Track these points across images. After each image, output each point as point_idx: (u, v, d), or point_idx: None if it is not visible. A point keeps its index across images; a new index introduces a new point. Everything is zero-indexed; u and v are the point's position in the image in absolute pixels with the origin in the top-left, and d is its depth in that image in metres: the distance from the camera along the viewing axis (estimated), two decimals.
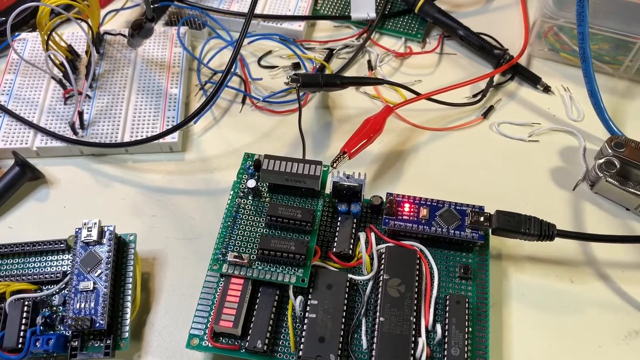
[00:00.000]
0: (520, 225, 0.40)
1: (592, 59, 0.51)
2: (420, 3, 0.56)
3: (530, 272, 0.43)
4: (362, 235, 0.41)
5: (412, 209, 0.42)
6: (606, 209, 0.47)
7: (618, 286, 0.43)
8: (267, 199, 0.42)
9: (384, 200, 0.43)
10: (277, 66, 0.56)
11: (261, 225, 0.41)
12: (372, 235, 0.41)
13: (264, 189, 0.43)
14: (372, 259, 0.41)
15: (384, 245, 0.41)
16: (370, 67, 0.56)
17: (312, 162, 0.41)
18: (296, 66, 0.55)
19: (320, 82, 0.48)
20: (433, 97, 0.51)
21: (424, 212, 0.42)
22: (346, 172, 0.42)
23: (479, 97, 0.53)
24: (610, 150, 0.47)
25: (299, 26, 0.57)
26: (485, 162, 0.49)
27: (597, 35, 0.52)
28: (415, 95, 0.51)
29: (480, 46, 0.56)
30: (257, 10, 0.57)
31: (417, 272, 0.40)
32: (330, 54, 0.56)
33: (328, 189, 0.43)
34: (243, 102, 0.53)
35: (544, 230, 0.40)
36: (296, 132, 0.48)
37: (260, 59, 0.56)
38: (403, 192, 0.44)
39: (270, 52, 0.57)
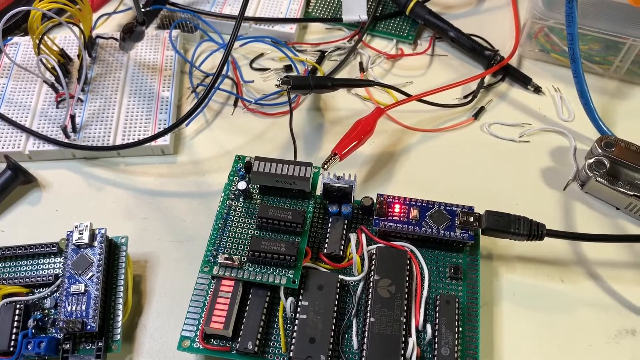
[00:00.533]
0: (509, 225, 0.41)
1: (582, 59, 0.51)
2: (411, 5, 0.57)
3: (521, 271, 0.44)
4: (352, 236, 0.41)
5: (402, 210, 0.42)
6: (596, 208, 0.47)
7: (608, 285, 0.43)
8: (257, 201, 0.42)
9: (375, 201, 0.43)
10: (269, 69, 0.56)
11: (252, 227, 0.41)
12: (363, 236, 0.41)
13: (255, 191, 0.43)
14: (362, 259, 0.41)
15: (374, 246, 0.41)
16: (362, 69, 0.56)
17: (303, 164, 0.41)
18: (288, 68, 0.56)
19: (311, 84, 0.48)
20: (424, 98, 0.51)
21: (414, 212, 0.42)
22: (337, 173, 0.42)
23: (469, 98, 0.53)
24: (600, 150, 0.47)
25: (290, 29, 0.57)
26: (476, 162, 0.50)
27: (587, 36, 0.52)
28: (406, 97, 0.51)
29: (471, 47, 0.56)
30: (249, 13, 0.58)
31: (408, 273, 0.40)
32: (322, 56, 0.57)
33: (319, 191, 0.43)
34: (235, 104, 0.53)
35: (533, 230, 0.41)
36: (288, 134, 0.48)
37: (252, 61, 0.56)
38: (394, 193, 0.44)
39: (262, 54, 0.57)
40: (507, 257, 0.44)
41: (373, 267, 0.40)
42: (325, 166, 0.44)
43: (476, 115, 0.52)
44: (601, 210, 0.47)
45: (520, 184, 0.48)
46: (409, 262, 0.41)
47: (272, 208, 0.41)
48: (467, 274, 0.41)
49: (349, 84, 0.52)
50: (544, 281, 0.43)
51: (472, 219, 0.41)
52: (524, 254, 0.44)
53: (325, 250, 0.41)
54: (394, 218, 0.42)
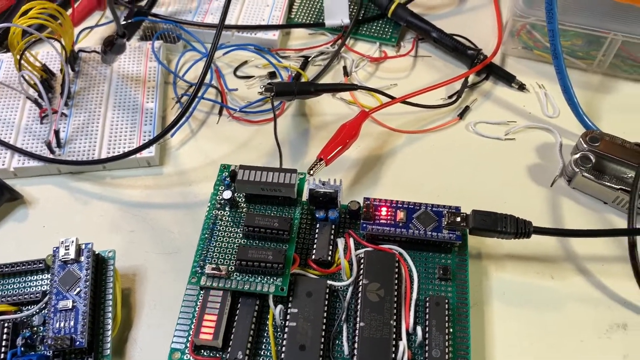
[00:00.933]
0: (496, 224, 0.41)
1: (566, 54, 0.52)
2: (392, 7, 0.57)
3: (511, 270, 0.44)
4: (340, 241, 0.41)
5: (389, 213, 0.42)
6: (584, 203, 0.47)
7: (598, 280, 0.43)
8: (244, 210, 0.42)
9: (361, 205, 0.43)
10: (253, 76, 0.56)
11: (239, 235, 0.41)
12: (351, 241, 0.41)
13: (241, 200, 0.43)
14: (351, 264, 0.41)
15: (362, 250, 0.41)
16: (346, 73, 0.56)
17: (287, 171, 0.41)
18: (272, 75, 0.56)
19: (294, 90, 0.48)
20: (408, 100, 0.51)
21: (400, 215, 0.42)
22: (322, 178, 0.42)
23: (454, 98, 0.53)
24: (585, 145, 0.47)
25: (273, 35, 0.57)
26: (463, 162, 0.50)
27: (569, 32, 0.53)
28: (390, 99, 0.51)
29: (454, 47, 0.56)
30: (231, 21, 0.58)
31: (397, 276, 0.40)
32: (305, 62, 0.57)
33: (305, 197, 0.43)
34: (220, 113, 0.53)
35: (520, 228, 0.41)
36: (273, 141, 0.48)
37: (236, 69, 0.56)
38: (382, 196, 0.44)
39: (246, 62, 0.57)
40: (496, 256, 0.44)
41: (362, 271, 0.40)
42: (311, 172, 0.44)
43: (461, 115, 0.52)
44: (589, 205, 0.47)
45: (507, 181, 0.48)
46: (397, 265, 0.41)
47: (259, 216, 0.40)
48: (457, 275, 0.41)
49: (332, 88, 0.52)
50: (533, 278, 0.43)
51: (459, 219, 0.41)
52: (513, 252, 0.44)
53: (313, 256, 0.41)
54: (381, 221, 0.42)
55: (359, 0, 0.60)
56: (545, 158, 0.50)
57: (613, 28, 0.51)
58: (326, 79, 0.56)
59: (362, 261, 0.41)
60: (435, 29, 0.57)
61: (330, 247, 0.42)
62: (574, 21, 0.52)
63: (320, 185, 0.42)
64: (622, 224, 0.46)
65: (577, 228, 0.45)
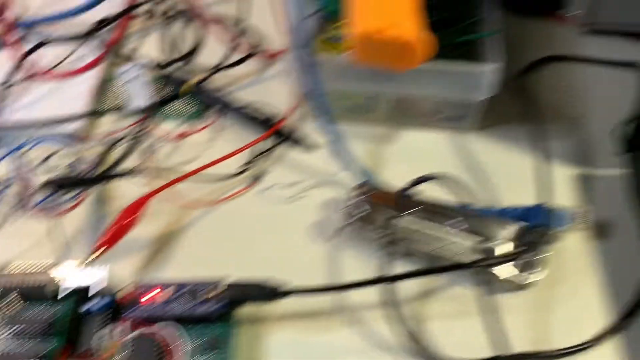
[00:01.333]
0: (249, 292, 0.43)
1: (351, 111, 0.56)
2: (183, 89, 0.60)
3: (287, 331, 0.46)
4: (108, 329, 0.42)
5: (158, 294, 0.44)
6: (361, 253, 0.50)
7: (369, 328, 0.46)
8: (17, 308, 0.43)
9: (131, 290, 0.44)
10: (58, 166, 0.57)
11: (6, 336, 0.42)
12: (121, 327, 0.43)
13: (10, 299, 0.44)
14: (120, 350, 0.42)
15: (132, 334, 0.43)
16: (149, 153, 0.58)
17: (44, 270, 0.43)
18: (76, 165, 0.57)
19: (74, 181, 0.50)
20: (199, 172, 0.53)
21: (168, 294, 0.44)
22: (101, 265, 0.44)
23: (246, 166, 0.56)
24: (358, 198, 0.50)
25: (77, 125, 0.59)
26: (254, 229, 0.52)
27: (348, 92, 0.57)
28: (172, 179, 0.53)
29: (252, 117, 0.59)
30: (34, 114, 0.59)
31: (164, 355, 0.42)
32: (111, 146, 0.58)
33: (70, 289, 0.44)
34: (20, 209, 0.54)
35: (272, 292, 0.43)
36: (71, 231, 0.49)
37: (42, 162, 0.58)
38: (172, 275, 0.46)
39: (52, 154, 0.58)
40: (272, 319, 0.46)
41: (130, 355, 0.41)
42: (89, 260, 0.46)
43: (254, 182, 0.55)
44: (366, 255, 0.50)
45: (292, 243, 0.51)
46: (165, 344, 0.42)
47: (20, 316, 0.42)
48: (225, 344, 0.43)
49: (114, 175, 0.54)
50: (308, 336, 0.45)
51: (216, 292, 0.43)
52: (290, 312, 0.46)
53: (80, 350, 0.42)
54: (150, 304, 0.44)
55: (161, 81, 0.63)
56: (329, 214, 0.53)
57: (380, 87, 0.55)
58: (132, 161, 0.58)
59: (129, 346, 0.42)
60: (231, 102, 0.60)
61: (99, 337, 0.43)
62: (346, 86, 0.56)
63: (84, 277, 0.43)
64: (397, 269, 0.48)
65: (351, 280, 0.47)
